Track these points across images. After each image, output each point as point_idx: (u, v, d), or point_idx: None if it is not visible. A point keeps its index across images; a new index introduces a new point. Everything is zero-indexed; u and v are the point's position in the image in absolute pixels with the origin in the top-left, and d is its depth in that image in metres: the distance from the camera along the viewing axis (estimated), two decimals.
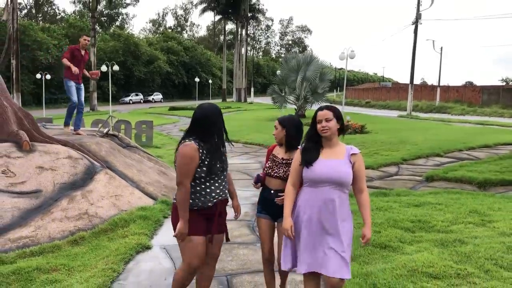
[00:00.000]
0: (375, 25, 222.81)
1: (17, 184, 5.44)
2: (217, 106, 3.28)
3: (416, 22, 28.20)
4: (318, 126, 3.00)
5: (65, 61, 8.04)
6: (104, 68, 27.23)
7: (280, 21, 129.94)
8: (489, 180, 7.83)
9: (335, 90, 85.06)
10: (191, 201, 3.20)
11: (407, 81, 34.38)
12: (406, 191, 7.30)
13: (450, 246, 4.60)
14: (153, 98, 60.41)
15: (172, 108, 39.21)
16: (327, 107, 3.07)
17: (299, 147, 3.19)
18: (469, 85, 58.96)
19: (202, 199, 3.21)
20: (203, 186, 3.21)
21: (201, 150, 3.16)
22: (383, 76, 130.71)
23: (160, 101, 60.53)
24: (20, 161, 5.77)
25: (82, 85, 8.50)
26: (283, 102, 26.15)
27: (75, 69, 7.92)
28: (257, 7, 65.36)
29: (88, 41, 8.46)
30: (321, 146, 3.06)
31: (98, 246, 4.86)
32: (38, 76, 34.77)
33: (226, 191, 3.37)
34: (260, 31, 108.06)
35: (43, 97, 35.69)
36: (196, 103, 43.75)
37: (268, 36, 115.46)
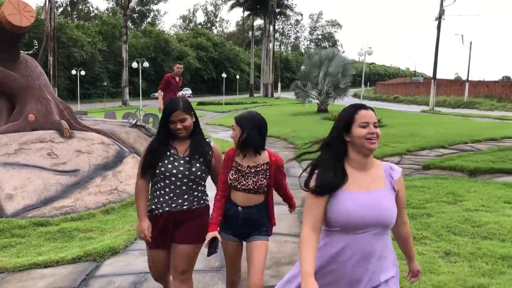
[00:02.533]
0: (408, 18, 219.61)
1: (59, 164, 6.54)
2: (177, 98, 3.00)
3: (439, 18, 28.51)
4: (361, 132, 2.07)
5: (159, 94, 9.44)
6: (135, 64, 28.58)
7: (310, 15, 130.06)
8: (479, 168, 8.52)
9: (363, 85, 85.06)
10: (148, 203, 3.05)
11: (440, 76, 34.61)
12: None
13: (418, 218, 5.44)
14: (182, 93, 61.85)
15: (200, 103, 40.41)
16: (370, 108, 2.16)
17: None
18: (500, 80, 58.18)
19: (154, 203, 3.00)
20: (154, 188, 3.00)
21: (149, 147, 3.01)
22: (415, 71, 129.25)
23: (190, 96, 61.99)
24: (61, 145, 6.88)
25: None
26: (305, 97, 26.95)
27: (161, 107, 9.25)
28: (285, 2, 65.97)
29: (181, 68, 9.60)
30: (343, 166, 2.13)
31: (125, 215, 5.90)
32: (73, 72, 36.51)
33: (185, 202, 2.96)
34: (290, 26, 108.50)
35: (77, 92, 37.44)
36: (223, 98, 44.90)
37: (297, 31, 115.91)
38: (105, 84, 53.11)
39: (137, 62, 28.94)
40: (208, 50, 69.42)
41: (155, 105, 35.82)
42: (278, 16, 65.81)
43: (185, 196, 2.95)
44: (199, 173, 2.93)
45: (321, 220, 2.09)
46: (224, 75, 49.16)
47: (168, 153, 2.94)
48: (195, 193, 2.99)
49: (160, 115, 10.95)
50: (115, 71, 54.75)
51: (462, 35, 52.91)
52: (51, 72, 31.13)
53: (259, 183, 2.95)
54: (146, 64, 29.79)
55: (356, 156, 2.11)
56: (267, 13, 60.06)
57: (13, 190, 5.88)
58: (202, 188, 3.06)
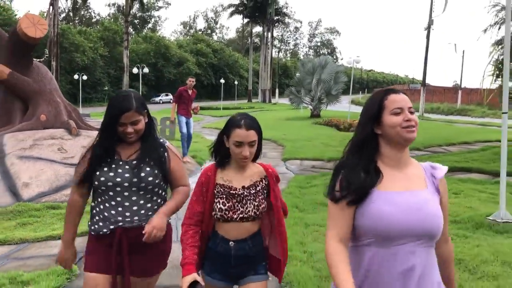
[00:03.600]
0: (407, 25, 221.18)
1: (68, 158, 7.50)
2: (129, 94, 2.42)
3: (428, 28, 29.58)
4: (394, 120, 1.71)
5: (172, 106, 10.12)
6: (135, 70, 29.59)
7: (309, 23, 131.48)
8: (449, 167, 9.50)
9: (360, 92, 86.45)
10: (89, 222, 2.47)
11: (440, 83, 35.55)
12: None
13: None
14: (195, 105, 62.86)
15: (200, 108, 41.28)
16: (402, 91, 1.80)
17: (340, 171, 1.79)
18: (493, 88, 59.25)
19: (97, 220, 2.41)
20: (95, 202, 2.45)
21: (90, 153, 2.45)
22: (413, 78, 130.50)
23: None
24: (70, 142, 7.86)
25: (191, 119, 10.27)
26: (299, 102, 27.98)
27: (172, 119, 10.22)
28: (283, 10, 67.13)
29: (193, 81, 10.21)
30: (376, 164, 1.75)
31: None
32: (76, 76, 37.55)
33: (140, 217, 2.40)
34: (289, 33, 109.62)
35: (79, 96, 38.45)
36: (221, 103, 45.91)
37: (296, 38, 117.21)
38: (106, 88, 54.18)
39: (138, 68, 29.98)
40: (208, 56, 70.51)
41: (154, 109, 36.81)
42: (276, 24, 66.90)
43: (135, 208, 2.38)
44: (150, 178, 2.38)
45: (348, 231, 1.71)
46: (222, 80, 50.17)
47: (109, 160, 2.40)
48: (149, 205, 2.42)
49: (174, 126, 11.71)
50: (116, 76, 55.80)
51: (455, 44, 53.72)
52: (54, 77, 32.25)
53: (262, 206, 2.34)
54: (146, 70, 30.81)
55: (390, 151, 1.73)
56: (265, 21, 61.20)
57: (28, 179, 6.84)
58: (159, 200, 2.48)
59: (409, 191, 1.70)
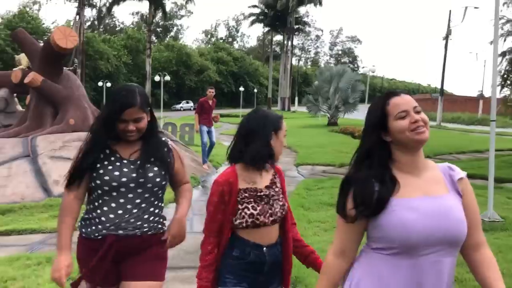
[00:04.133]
0: (429, 34, 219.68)
1: None
2: (133, 89, 2.25)
3: (446, 38, 29.81)
4: (401, 124, 1.62)
5: (195, 117, 10.49)
6: (157, 78, 30.51)
7: (330, 31, 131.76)
8: None
9: (366, 101, 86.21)
10: (80, 223, 2.31)
11: (463, 93, 35.48)
12: None
13: None
14: (214, 114, 63.87)
15: (219, 114, 42.06)
16: (403, 91, 1.72)
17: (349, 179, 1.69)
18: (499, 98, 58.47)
19: (91, 223, 2.25)
20: (93, 204, 2.28)
21: (83, 149, 2.27)
22: (435, 87, 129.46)
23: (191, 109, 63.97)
24: None
25: (212, 127, 10.64)
26: (316, 110, 28.45)
27: (197, 130, 10.51)
28: (303, 19, 67.72)
29: (213, 92, 10.60)
30: (390, 172, 1.64)
31: None
32: (100, 83, 38.71)
33: (141, 224, 2.25)
34: (310, 41, 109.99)
35: (103, 103, 39.54)
36: (240, 111, 46.61)
37: (317, 46, 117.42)
38: None
39: (159, 76, 30.89)
40: (228, 64, 71.43)
41: (175, 116, 37.70)
42: (296, 32, 67.48)
43: (137, 211, 2.23)
44: (158, 180, 2.27)
45: (355, 246, 1.68)
46: (241, 88, 50.87)
47: (113, 158, 2.24)
48: (151, 209, 2.28)
49: (197, 136, 12.17)
50: (138, 83, 56.24)
51: (476, 53, 53.37)
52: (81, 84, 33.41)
53: (286, 206, 2.31)
54: (167, 77, 31.70)
55: (404, 157, 1.63)
56: (285, 30, 61.82)
57: (58, 177, 7.49)
58: (160, 204, 2.36)
59: (429, 196, 1.60)
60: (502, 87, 11.71)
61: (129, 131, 2.20)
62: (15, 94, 10.37)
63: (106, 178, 2.20)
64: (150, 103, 2.31)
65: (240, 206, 2.15)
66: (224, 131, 25.02)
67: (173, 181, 2.46)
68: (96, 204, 2.25)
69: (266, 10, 62.51)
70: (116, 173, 2.21)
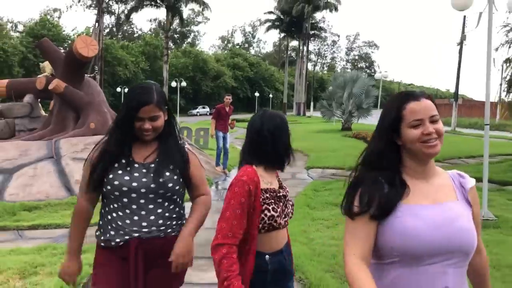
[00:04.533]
0: (448, 39, 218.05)
1: None
2: (150, 86, 2.20)
3: (461, 43, 29.87)
4: (413, 134, 1.54)
5: (212, 122, 10.83)
6: (174, 83, 31.17)
7: (346, 36, 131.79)
8: None
9: (379, 107, 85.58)
10: (98, 232, 2.23)
11: (479, 97, 35.18)
12: None
13: None
14: (231, 121, 64.49)
15: (234, 120, 42.63)
16: (424, 96, 1.58)
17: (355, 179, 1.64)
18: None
19: (109, 229, 2.17)
20: (107, 209, 2.20)
21: (99, 153, 2.22)
22: (454, 92, 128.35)
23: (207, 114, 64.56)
24: None
25: (227, 134, 11.01)
26: (330, 115, 28.76)
27: (212, 135, 10.91)
28: (319, 25, 68.09)
29: (230, 99, 11.01)
30: (400, 175, 1.58)
31: None
32: (118, 89, 39.56)
33: (159, 227, 2.17)
34: (326, 47, 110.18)
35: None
36: None
37: (334, 52, 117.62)
38: None
39: (176, 82, 31.58)
40: (244, 70, 72.08)
41: (191, 121, 38.33)
42: (312, 38, 67.85)
43: (152, 217, 2.15)
44: (170, 185, 2.16)
45: (369, 250, 1.55)
46: (257, 94, 51.47)
47: (124, 161, 2.16)
48: (167, 214, 2.19)
49: (211, 141, 12.59)
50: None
51: (494, 58, 52.97)
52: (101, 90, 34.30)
53: (293, 206, 2.28)
54: (184, 83, 32.39)
55: (413, 164, 1.59)
56: (301, 35, 62.24)
57: (80, 177, 7.99)
58: (178, 209, 2.26)
59: (438, 204, 1.54)
60: (507, 92, 11.98)
61: (145, 129, 2.12)
62: (39, 100, 10.95)
63: (116, 183, 2.12)
64: (168, 102, 2.24)
65: (262, 208, 2.04)
66: (239, 135, 25.47)
67: (189, 189, 2.31)
68: (111, 208, 2.17)
69: (282, 16, 63.06)
70: (126, 177, 2.12)
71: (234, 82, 68.64)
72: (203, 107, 62.74)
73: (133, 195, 2.12)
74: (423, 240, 1.47)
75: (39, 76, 10.39)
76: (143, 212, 2.13)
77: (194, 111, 60.83)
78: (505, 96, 12.06)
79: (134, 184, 2.13)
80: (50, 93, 9.58)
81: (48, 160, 8.20)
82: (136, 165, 2.17)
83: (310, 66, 79.28)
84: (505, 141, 22.60)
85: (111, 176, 2.14)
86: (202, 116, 59.22)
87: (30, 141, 8.92)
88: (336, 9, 58.98)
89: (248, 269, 2.03)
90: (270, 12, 65.02)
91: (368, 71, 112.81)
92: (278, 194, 2.13)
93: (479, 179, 10.05)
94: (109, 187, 2.14)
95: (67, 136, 9.06)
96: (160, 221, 2.17)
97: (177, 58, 64.32)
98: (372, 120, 30.98)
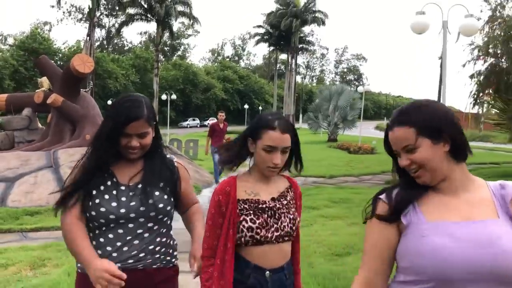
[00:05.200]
0: (434, 50, 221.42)
1: None
2: (140, 99, 2.00)
3: (441, 57, 30.90)
4: (399, 162, 1.45)
5: (207, 139, 11.13)
6: (164, 96, 31.87)
7: (335, 49, 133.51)
8: None
9: (385, 118, 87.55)
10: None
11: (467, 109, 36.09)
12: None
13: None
14: (208, 123, 65.13)
15: (229, 138, 43.41)
16: (398, 122, 1.43)
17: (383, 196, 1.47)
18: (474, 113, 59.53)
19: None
20: (91, 235, 1.98)
21: (79, 172, 1.99)
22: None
23: (197, 126, 65.10)
24: None
25: None
26: (317, 127, 29.62)
27: (206, 151, 11.37)
28: (307, 39, 69.29)
29: (223, 116, 11.22)
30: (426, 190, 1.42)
31: None
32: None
33: (147, 256, 1.97)
34: (315, 59, 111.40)
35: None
36: (244, 128, 47.80)
37: (323, 64, 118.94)
38: None
39: (166, 94, 32.31)
40: (234, 82, 72.98)
41: (181, 133, 38.97)
42: (300, 52, 68.97)
43: (139, 243, 1.96)
44: (161, 206, 2.00)
45: (389, 261, 1.42)
46: (246, 106, 52.20)
47: (109, 183, 1.99)
48: (158, 239, 2.02)
49: (206, 158, 13.12)
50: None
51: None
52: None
53: (297, 220, 2.04)
54: (174, 96, 33.11)
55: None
56: (290, 49, 63.35)
57: None
58: (168, 232, 2.11)
59: (473, 221, 1.33)
60: (474, 105, 12.91)
61: (132, 147, 1.94)
62: (36, 113, 11.58)
63: (102, 210, 1.92)
64: (156, 118, 2.06)
65: (239, 219, 1.92)
66: None
67: (180, 204, 2.17)
68: (91, 235, 1.97)
69: (270, 30, 64.11)
70: (114, 203, 1.93)
71: (224, 95, 69.46)
72: (193, 119, 63.39)
73: (121, 221, 1.94)
74: (456, 262, 1.26)
75: (37, 90, 11.04)
76: (128, 238, 1.95)
77: (185, 123, 61.47)
78: (471, 108, 12.96)
79: (122, 210, 1.94)
80: (47, 107, 10.23)
81: (48, 169, 8.83)
82: (122, 188, 1.98)
83: (299, 79, 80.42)
84: (483, 151, 23.50)
85: (97, 200, 1.94)
86: (192, 128, 59.90)
87: (30, 151, 9.55)
88: (323, 23, 60.22)
89: (228, 282, 1.90)
90: (259, 26, 66.10)
91: (356, 83, 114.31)
92: (261, 206, 1.95)
93: None
94: (94, 213, 1.93)
95: (65, 147, 9.70)
96: (150, 247, 1.98)
97: (167, 70, 65.08)
98: (357, 131, 32.00)
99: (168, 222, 2.10)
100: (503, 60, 11.96)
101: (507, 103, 11.96)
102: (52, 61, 11.32)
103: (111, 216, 1.93)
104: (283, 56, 76.27)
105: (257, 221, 1.92)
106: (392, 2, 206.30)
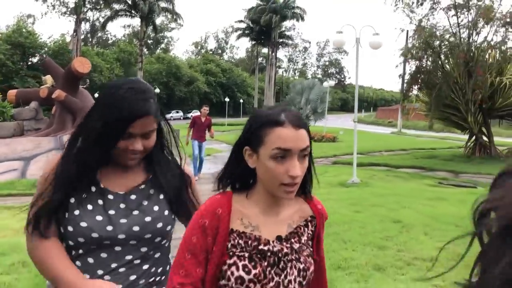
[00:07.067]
0: None
1: None
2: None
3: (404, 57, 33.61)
4: None
5: (188, 130, 11.13)
6: None
7: (317, 43, 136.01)
8: (364, 162, 13.46)
9: (363, 110, 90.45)
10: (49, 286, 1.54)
11: None
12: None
13: None
14: (191, 115, 66.94)
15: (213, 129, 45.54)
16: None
17: None
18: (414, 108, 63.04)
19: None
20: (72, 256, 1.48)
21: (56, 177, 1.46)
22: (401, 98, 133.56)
23: (180, 119, 66.90)
24: None
25: (203, 143, 11.18)
26: None
27: (186, 143, 10.82)
28: (286, 34, 71.60)
29: (207, 110, 11.17)
30: None
31: None
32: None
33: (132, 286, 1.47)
34: (298, 53, 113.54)
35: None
36: (226, 120, 50.09)
37: (305, 58, 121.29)
38: None
39: None
40: (217, 75, 74.86)
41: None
42: (280, 46, 71.30)
43: (125, 271, 1.46)
44: (160, 225, 1.49)
45: None
46: (227, 99, 54.39)
47: (94, 189, 1.47)
48: (145, 267, 1.49)
49: (184, 149, 14.63)
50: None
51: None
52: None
53: (310, 271, 1.33)
54: (157, 90, 35.24)
55: None
56: (270, 44, 65.64)
57: None
58: (164, 257, 1.59)
59: None
60: (402, 100, 15.61)
61: (134, 151, 1.45)
62: (41, 106, 13.77)
63: (83, 225, 1.42)
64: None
65: (228, 260, 1.26)
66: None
67: (185, 219, 1.58)
68: (72, 256, 1.48)
69: (251, 25, 66.32)
70: (98, 217, 1.44)
71: (207, 88, 71.36)
72: (177, 112, 65.20)
73: (106, 242, 1.44)
74: None
75: (41, 87, 13.22)
76: (114, 265, 1.45)
77: (168, 116, 63.31)
78: (401, 102, 15.75)
79: (109, 228, 1.44)
80: (51, 101, 12.41)
81: (56, 150, 11.04)
82: (110, 197, 1.49)
83: (282, 72, 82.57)
84: (431, 139, 26.30)
85: (76, 212, 1.43)
86: (176, 120, 61.74)
87: (40, 137, 11.76)
88: (302, 18, 62.64)
89: None
90: (241, 21, 68.30)
91: (338, 76, 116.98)
92: (262, 247, 1.27)
93: (380, 164, 13.45)
94: (70, 229, 1.43)
95: (68, 133, 11.89)
96: (141, 282, 1.49)
97: (151, 64, 66.78)
98: (326, 122, 34.61)
99: (167, 245, 1.61)
100: (423, 62, 14.59)
101: (429, 97, 14.61)
102: (32, 52, 13.53)
103: (94, 235, 1.42)
104: (265, 50, 78.66)
105: (253, 271, 1.25)
106: None
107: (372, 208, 6.96)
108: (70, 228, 1.43)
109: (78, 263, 1.46)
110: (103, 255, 1.45)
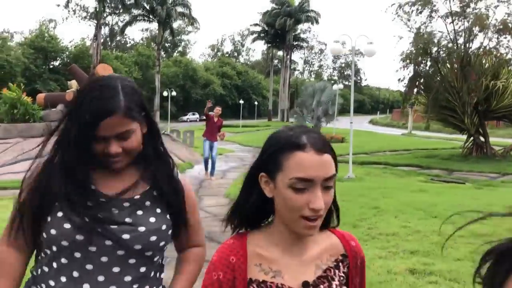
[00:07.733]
0: None
1: None
2: (112, 83, 1.30)
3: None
4: None
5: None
6: (165, 93, 35.49)
7: None
8: (365, 161, 14.40)
9: (378, 112, 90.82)
10: None
11: None
12: None
13: None
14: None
15: (225, 131, 46.73)
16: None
17: None
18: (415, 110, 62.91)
19: None
20: (44, 270, 1.32)
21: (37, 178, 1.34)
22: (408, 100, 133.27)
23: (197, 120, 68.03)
24: None
25: (215, 143, 11.14)
26: (302, 121, 33.00)
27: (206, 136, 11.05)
28: (301, 37, 72.51)
29: (220, 111, 11.35)
30: None
31: None
32: None
33: None
34: (314, 55, 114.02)
35: None
36: (240, 122, 51.24)
37: (321, 59, 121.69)
38: None
39: (167, 91, 35.92)
40: (233, 78, 76.11)
41: (181, 127, 42.45)
42: (294, 49, 72.20)
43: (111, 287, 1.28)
44: (154, 238, 1.32)
45: None
46: (241, 101, 55.64)
47: (84, 192, 1.31)
48: (135, 286, 1.32)
49: (201, 147, 16.23)
50: (147, 96, 61.67)
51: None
52: None
53: None
54: (174, 93, 36.60)
55: None
56: (285, 46, 66.63)
57: None
58: (153, 274, 1.39)
59: None
60: (403, 102, 16.57)
61: (111, 154, 1.28)
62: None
63: (67, 226, 1.25)
64: (146, 106, 1.36)
65: None
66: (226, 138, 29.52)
67: (179, 237, 1.43)
68: (47, 269, 1.30)
69: (267, 28, 67.39)
70: (85, 219, 1.25)
71: (223, 90, 72.62)
72: (193, 114, 66.54)
73: (92, 248, 1.25)
74: None
75: (67, 91, 14.47)
76: (100, 279, 1.26)
77: (185, 118, 64.78)
78: (402, 104, 16.67)
79: (98, 232, 1.25)
80: None
81: None
82: (103, 200, 1.30)
83: (298, 74, 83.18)
84: (438, 140, 27.02)
85: (59, 214, 1.26)
86: (192, 122, 63.12)
87: None
88: (317, 22, 63.56)
89: None
90: (256, 24, 69.48)
91: (354, 78, 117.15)
92: None
93: (378, 163, 14.38)
94: (53, 232, 1.26)
95: None
96: None
97: (168, 67, 68.30)
98: (338, 124, 35.46)
99: (160, 261, 1.40)
100: (421, 67, 15.51)
101: (427, 99, 15.51)
102: (54, 56, 14.81)
103: (78, 237, 1.23)
104: (281, 53, 79.55)
105: None
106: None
107: (357, 198, 7.93)
108: (53, 232, 1.24)
109: (62, 277, 1.27)
110: (88, 266, 1.25)
